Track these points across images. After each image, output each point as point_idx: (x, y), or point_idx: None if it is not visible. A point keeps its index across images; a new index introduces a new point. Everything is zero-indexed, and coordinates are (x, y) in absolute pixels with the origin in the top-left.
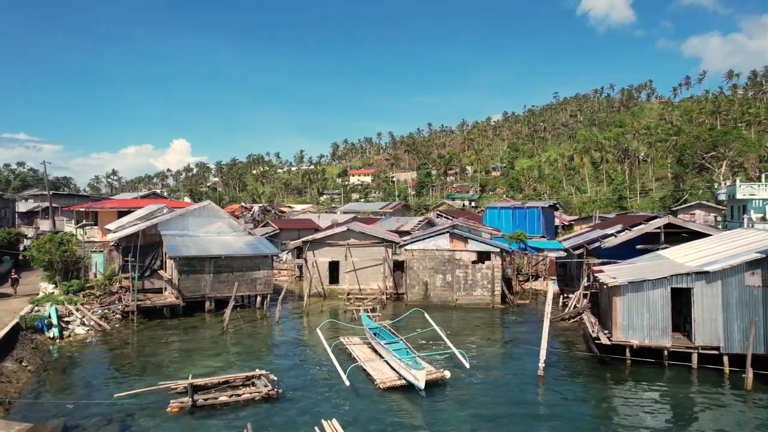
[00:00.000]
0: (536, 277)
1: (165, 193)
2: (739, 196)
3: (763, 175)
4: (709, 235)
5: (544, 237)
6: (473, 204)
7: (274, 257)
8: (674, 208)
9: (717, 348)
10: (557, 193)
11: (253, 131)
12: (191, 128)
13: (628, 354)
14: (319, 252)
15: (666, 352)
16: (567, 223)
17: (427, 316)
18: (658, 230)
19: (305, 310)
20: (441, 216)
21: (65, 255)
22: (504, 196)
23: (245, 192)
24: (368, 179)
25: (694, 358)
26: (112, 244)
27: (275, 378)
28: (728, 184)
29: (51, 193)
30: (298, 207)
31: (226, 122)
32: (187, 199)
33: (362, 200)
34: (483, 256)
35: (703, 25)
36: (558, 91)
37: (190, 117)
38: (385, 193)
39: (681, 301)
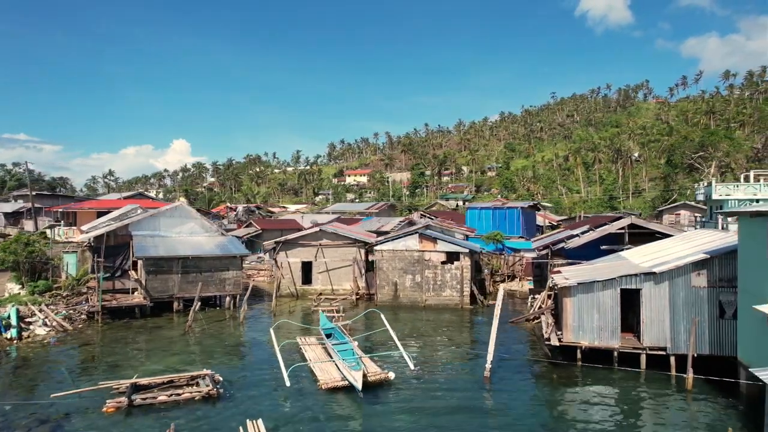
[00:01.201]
0: (513, 277)
1: (160, 194)
2: (715, 196)
3: (742, 176)
4: (671, 235)
5: (522, 237)
6: (467, 204)
7: (258, 258)
8: (660, 209)
9: (664, 349)
10: (550, 194)
11: (252, 131)
12: (191, 128)
13: (579, 355)
14: (292, 252)
15: (616, 354)
16: (555, 224)
17: (383, 317)
18: (622, 231)
19: (273, 310)
20: (424, 216)
21: (32, 255)
22: (498, 196)
23: (239, 192)
24: (364, 179)
25: (643, 359)
26: (84, 244)
27: (221, 378)
28: (705, 184)
29: (34, 193)
30: (292, 207)
31: (226, 122)
32: (182, 200)
33: (357, 200)
34: (452, 257)
35: (701, 25)
36: (556, 91)
37: (190, 117)
38: (379, 193)
39: (636, 303)
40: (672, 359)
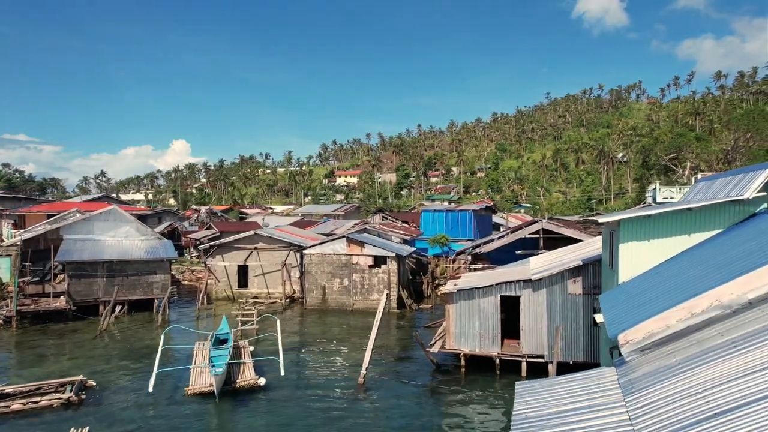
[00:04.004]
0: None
1: (150, 195)
2: (659, 199)
3: (693, 179)
4: (581, 240)
5: (472, 240)
6: (453, 205)
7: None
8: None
9: (542, 356)
10: (535, 195)
11: (252, 132)
12: (191, 128)
13: (462, 362)
14: (228, 256)
15: (498, 361)
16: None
17: (278, 324)
18: (536, 235)
19: (197, 314)
20: (386, 219)
21: None
22: (485, 197)
23: (227, 194)
24: (354, 180)
25: (523, 366)
26: (15, 249)
27: (93, 383)
28: (651, 187)
29: None
30: (278, 208)
31: (226, 123)
32: (172, 201)
33: (344, 201)
34: (379, 261)
35: (697, 27)
36: (551, 92)
37: (190, 117)
38: (366, 194)
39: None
40: (550, 367)
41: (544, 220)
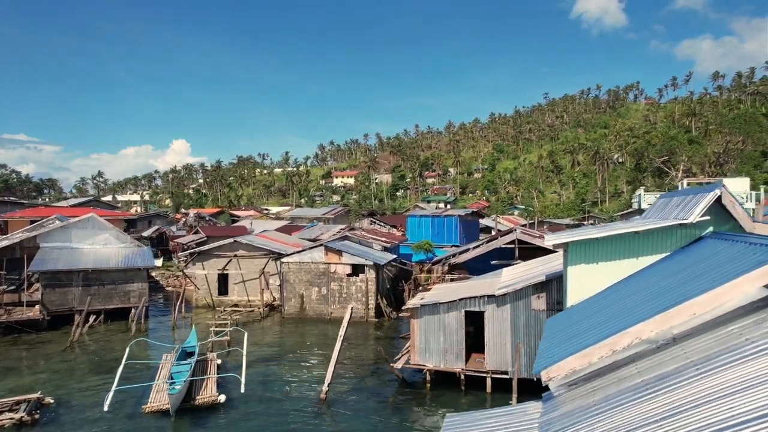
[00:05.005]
0: None
1: (146, 196)
2: (643, 206)
3: (685, 183)
4: (555, 251)
5: (457, 246)
6: (448, 206)
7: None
8: (616, 214)
9: (506, 372)
10: (529, 197)
11: (252, 131)
12: (191, 128)
13: (428, 377)
14: (208, 263)
15: (462, 377)
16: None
17: (246, 338)
18: (512, 245)
19: (173, 324)
20: (375, 223)
21: None
22: (481, 198)
23: (222, 195)
24: (351, 181)
25: (488, 382)
26: None
27: (51, 401)
28: (637, 193)
29: None
30: (274, 209)
31: (226, 122)
32: (168, 202)
33: (341, 203)
34: (357, 269)
35: (695, 28)
36: (550, 92)
37: (190, 117)
38: (361, 196)
39: None
40: (514, 383)
41: (518, 230)
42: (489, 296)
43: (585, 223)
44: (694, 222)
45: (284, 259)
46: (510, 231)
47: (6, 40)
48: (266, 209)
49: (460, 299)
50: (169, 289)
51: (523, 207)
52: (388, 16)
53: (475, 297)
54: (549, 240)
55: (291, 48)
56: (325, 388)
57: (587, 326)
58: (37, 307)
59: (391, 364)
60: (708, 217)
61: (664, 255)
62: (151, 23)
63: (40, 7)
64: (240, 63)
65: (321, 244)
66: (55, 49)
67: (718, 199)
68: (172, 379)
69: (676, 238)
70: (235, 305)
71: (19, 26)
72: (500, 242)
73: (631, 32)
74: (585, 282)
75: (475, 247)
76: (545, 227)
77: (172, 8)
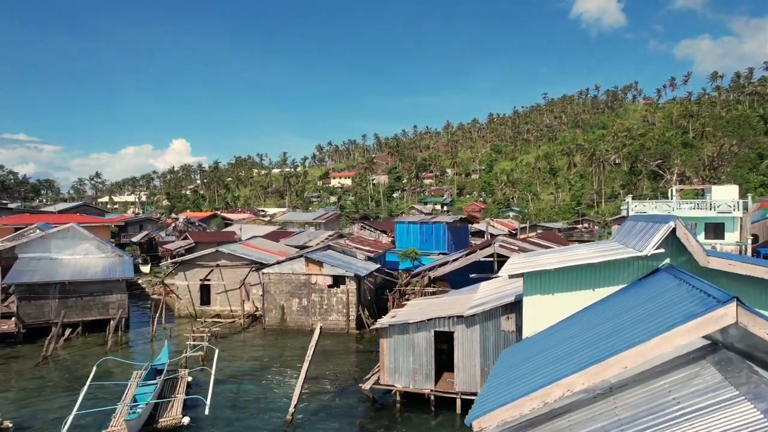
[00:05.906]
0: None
1: (143, 197)
2: (631, 213)
3: (672, 189)
4: None
5: (445, 254)
6: (446, 208)
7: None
8: (608, 219)
9: (476, 393)
10: (524, 199)
11: (251, 131)
12: (191, 128)
13: (397, 398)
14: (190, 273)
15: (432, 398)
16: (512, 232)
17: (216, 354)
18: (491, 258)
19: (152, 336)
20: (365, 228)
21: None
22: (478, 200)
23: (219, 196)
24: (349, 182)
25: (458, 404)
26: None
27: (10, 425)
28: (626, 201)
29: None
30: (271, 210)
31: (225, 122)
32: (166, 203)
33: (337, 204)
34: (339, 280)
35: (694, 28)
36: (549, 92)
37: (189, 117)
38: (357, 197)
39: None
40: None
41: (496, 244)
42: (458, 316)
43: (579, 226)
44: (649, 254)
45: (265, 270)
46: (488, 245)
47: (6, 40)
48: (263, 211)
49: (429, 319)
50: (155, 297)
51: (518, 209)
52: (388, 16)
53: (443, 317)
54: (505, 270)
55: (291, 48)
56: (291, 410)
57: (530, 368)
58: (12, 319)
59: (360, 384)
60: (663, 250)
61: (620, 287)
62: (152, 23)
63: (40, 7)
64: (240, 62)
65: (301, 255)
66: (55, 49)
67: (673, 231)
68: (135, 401)
69: (633, 269)
70: (218, 315)
71: (19, 26)
72: (479, 255)
73: (630, 32)
74: (541, 313)
75: (454, 260)
76: (537, 231)
77: (172, 8)
